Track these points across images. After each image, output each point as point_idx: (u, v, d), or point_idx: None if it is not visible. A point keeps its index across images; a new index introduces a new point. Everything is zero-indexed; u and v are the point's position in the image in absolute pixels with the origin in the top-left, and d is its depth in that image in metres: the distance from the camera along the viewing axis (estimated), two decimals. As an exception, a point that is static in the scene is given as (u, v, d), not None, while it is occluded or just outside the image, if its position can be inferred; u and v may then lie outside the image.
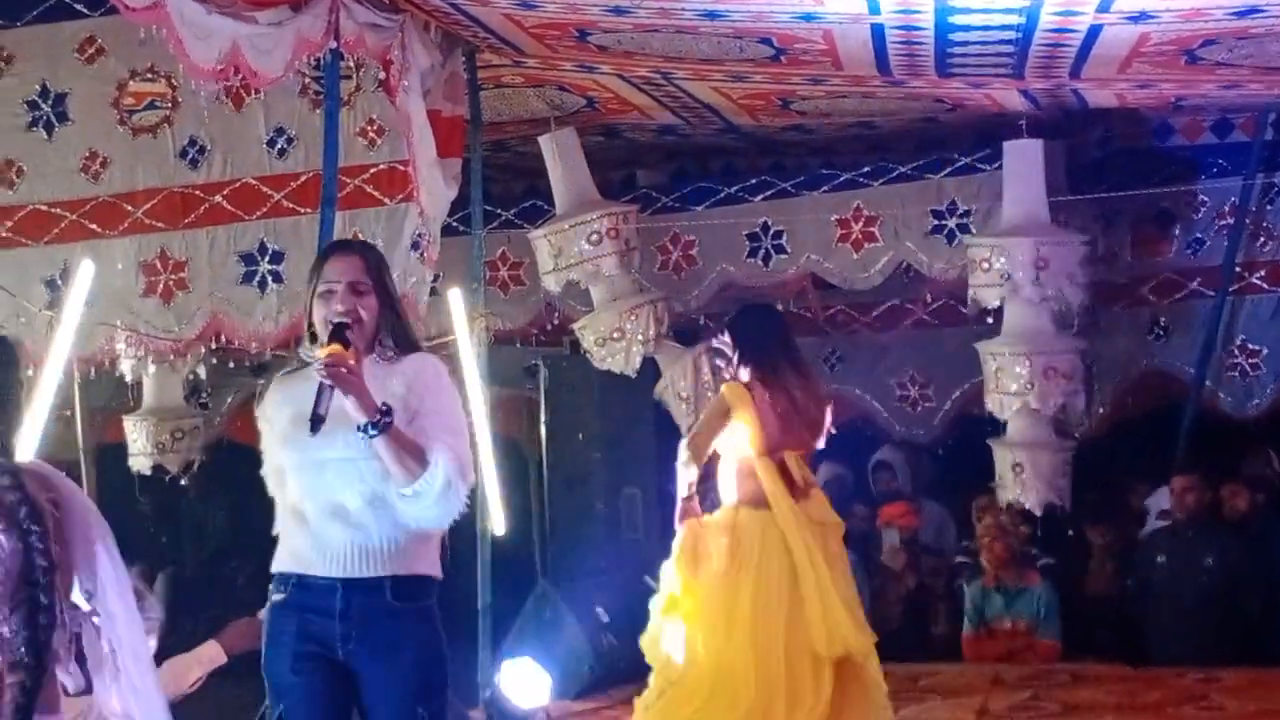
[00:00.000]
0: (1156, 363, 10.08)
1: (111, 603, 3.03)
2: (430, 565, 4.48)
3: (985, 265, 9.06)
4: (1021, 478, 9.05)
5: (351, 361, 4.29)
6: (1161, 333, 10.02)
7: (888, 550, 9.71)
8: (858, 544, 9.81)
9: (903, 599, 9.66)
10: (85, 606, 2.98)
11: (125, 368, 7.79)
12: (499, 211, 9.99)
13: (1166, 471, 9.24)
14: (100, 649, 2.98)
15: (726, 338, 6.64)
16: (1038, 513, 9.07)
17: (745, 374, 6.47)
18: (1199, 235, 9.88)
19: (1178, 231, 9.93)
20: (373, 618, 4.37)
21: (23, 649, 2.82)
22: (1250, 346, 9.81)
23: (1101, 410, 10.09)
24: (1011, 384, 9.02)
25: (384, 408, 4.25)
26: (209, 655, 5.30)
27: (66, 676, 2.97)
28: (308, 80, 6.74)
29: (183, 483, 9.94)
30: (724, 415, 6.42)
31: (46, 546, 2.86)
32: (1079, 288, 9.06)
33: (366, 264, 4.57)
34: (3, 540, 2.81)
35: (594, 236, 9.02)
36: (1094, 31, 6.78)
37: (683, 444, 6.50)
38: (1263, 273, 9.79)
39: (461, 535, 7.63)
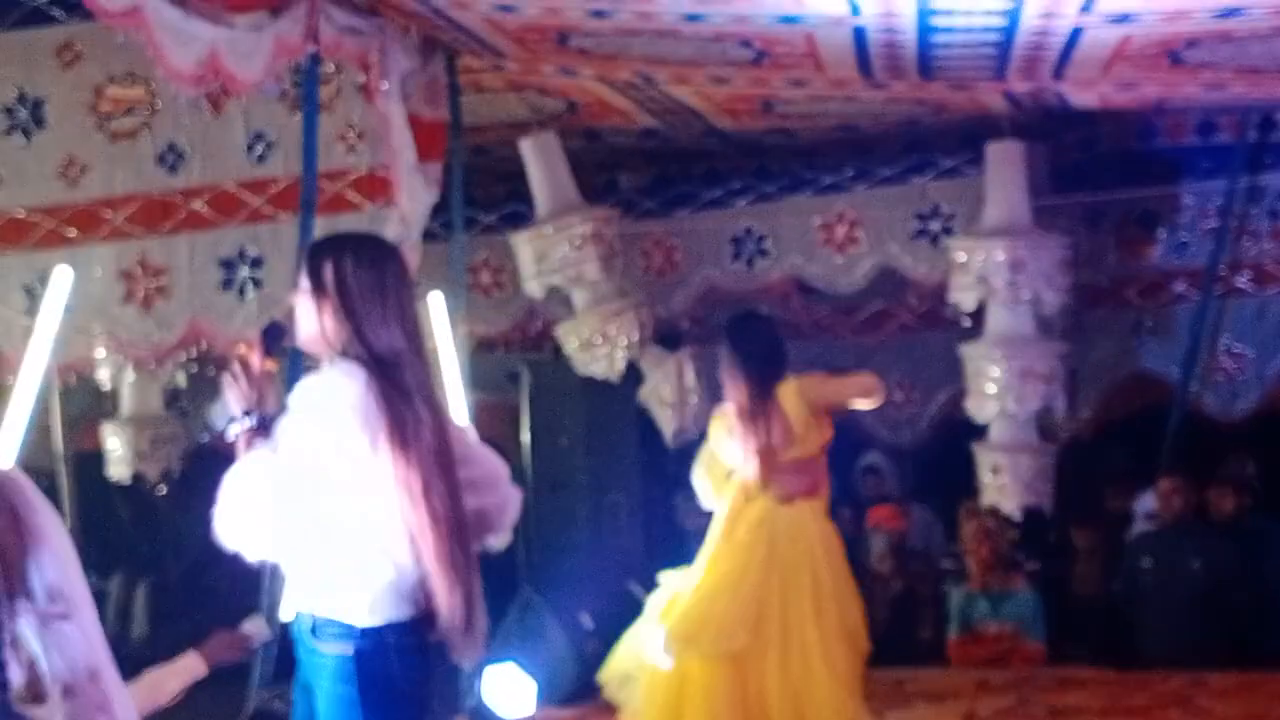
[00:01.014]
0: (1141, 365, 10.07)
1: (74, 619, 3.00)
2: (347, 611, 3.95)
3: (963, 267, 9.06)
4: (1000, 481, 9.04)
5: (250, 365, 4.03)
6: (1147, 335, 10.01)
7: (876, 554, 9.68)
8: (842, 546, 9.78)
9: (889, 603, 9.63)
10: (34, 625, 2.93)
11: (104, 375, 7.74)
12: (480, 216, 9.96)
13: (1152, 474, 9.22)
14: (56, 665, 2.94)
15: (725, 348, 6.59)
16: (1016, 516, 9.06)
17: (740, 388, 6.44)
18: (1184, 237, 9.86)
19: (1162, 234, 9.92)
20: (304, 653, 4.09)
21: None
22: (1235, 349, 9.80)
23: (1086, 413, 10.08)
24: (989, 386, 9.01)
25: (235, 414, 4.01)
26: (188, 667, 5.23)
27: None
28: (287, 85, 6.70)
29: (162, 491, 9.90)
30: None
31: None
32: (1057, 290, 9.05)
33: (304, 264, 4.12)
34: None
35: (576, 241, 8.99)
36: (1076, 33, 6.77)
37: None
38: (1248, 275, 9.77)
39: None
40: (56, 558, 3.00)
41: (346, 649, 3.96)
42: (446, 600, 3.94)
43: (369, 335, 3.95)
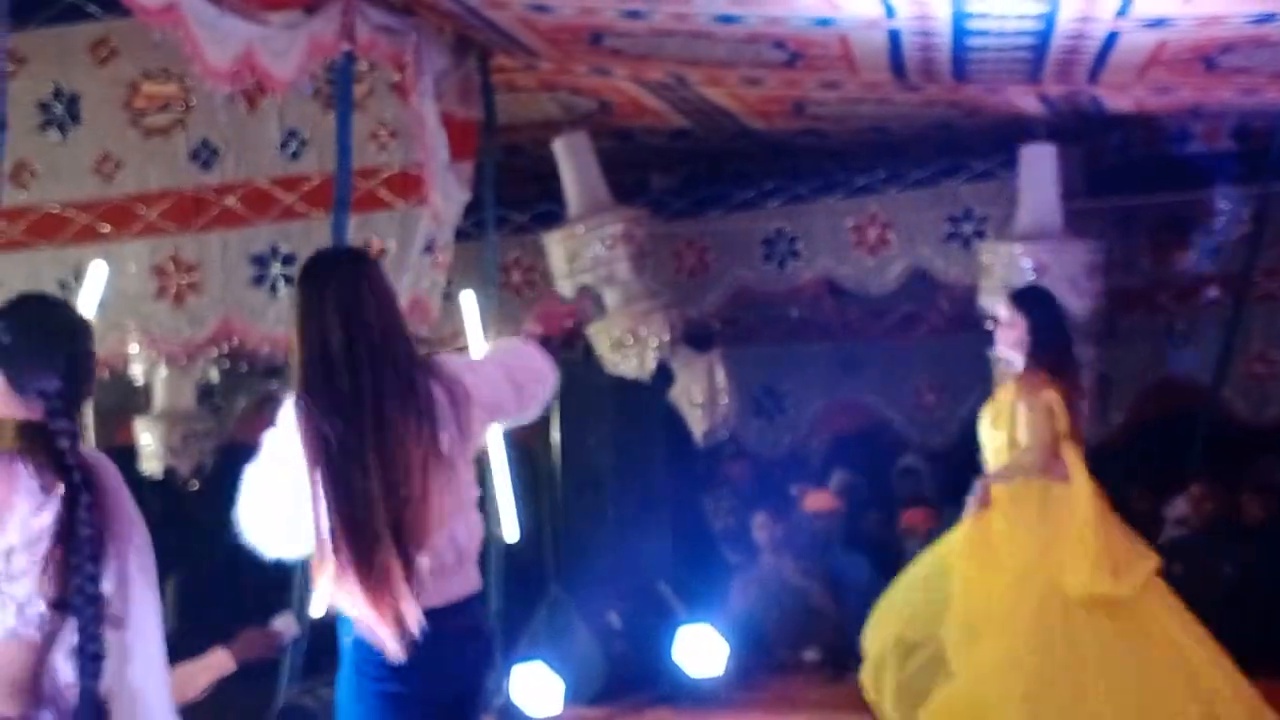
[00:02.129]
0: (1174, 370, 10.03)
1: (136, 618, 3.00)
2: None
3: (989, 271, 9.04)
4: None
5: None
6: (1179, 340, 9.97)
7: (910, 558, 9.64)
8: (872, 548, 9.77)
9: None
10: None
11: (137, 370, 7.77)
12: (512, 215, 9.95)
13: (1182, 479, 9.18)
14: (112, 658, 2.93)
15: (1013, 315, 6.64)
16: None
17: (1035, 359, 6.55)
18: (1217, 242, 9.82)
19: (1196, 239, 9.88)
20: None
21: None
22: (1269, 354, 9.75)
23: (1118, 417, 10.04)
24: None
25: None
26: (217, 663, 5.24)
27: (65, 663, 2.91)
28: (321, 82, 6.72)
29: (193, 486, 9.92)
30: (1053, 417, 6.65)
31: (91, 518, 2.85)
32: (1082, 295, 8.99)
33: None
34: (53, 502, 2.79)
35: (607, 241, 8.97)
36: (1112, 37, 6.75)
37: (1029, 455, 6.71)
38: (1281, 281, 9.74)
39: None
40: (125, 561, 3.00)
41: (348, 638, 4.02)
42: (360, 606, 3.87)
43: (299, 354, 3.93)
